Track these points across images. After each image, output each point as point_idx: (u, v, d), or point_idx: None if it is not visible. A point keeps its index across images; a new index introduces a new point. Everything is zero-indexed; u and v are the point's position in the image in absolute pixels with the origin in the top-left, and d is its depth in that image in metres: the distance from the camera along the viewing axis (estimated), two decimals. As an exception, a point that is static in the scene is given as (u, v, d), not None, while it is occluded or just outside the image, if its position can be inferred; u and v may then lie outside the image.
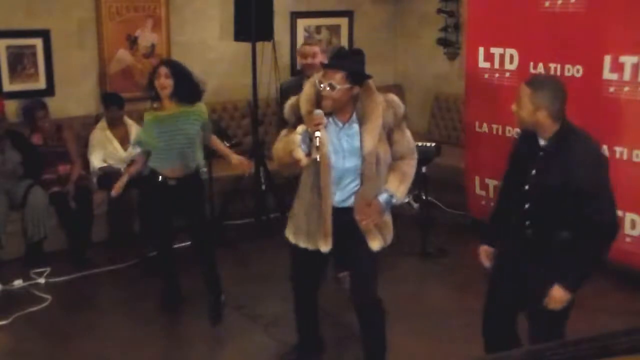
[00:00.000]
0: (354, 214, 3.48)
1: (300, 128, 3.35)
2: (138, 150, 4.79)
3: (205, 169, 4.79)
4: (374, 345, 3.76)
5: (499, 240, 3.46)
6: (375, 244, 3.52)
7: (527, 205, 3.25)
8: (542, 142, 3.20)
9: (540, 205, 3.20)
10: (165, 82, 4.33)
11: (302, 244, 3.59)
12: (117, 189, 4.62)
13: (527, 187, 3.24)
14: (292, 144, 3.34)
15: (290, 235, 3.66)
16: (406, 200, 6.64)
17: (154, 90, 4.39)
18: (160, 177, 4.44)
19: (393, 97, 3.54)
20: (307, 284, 3.83)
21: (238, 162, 4.62)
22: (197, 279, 5.03)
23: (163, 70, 4.36)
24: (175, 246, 4.86)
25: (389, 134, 3.49)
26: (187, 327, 4.58)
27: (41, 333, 4.46)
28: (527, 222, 3.26)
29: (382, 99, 3.47)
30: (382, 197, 3.47)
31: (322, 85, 3.35)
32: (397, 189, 3.50)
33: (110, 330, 4.51)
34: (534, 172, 3.21)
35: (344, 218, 3.48)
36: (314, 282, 3.82)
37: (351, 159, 3.45)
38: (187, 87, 4.42)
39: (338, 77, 3.33)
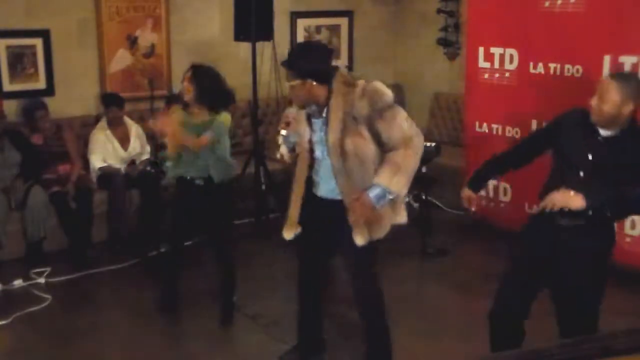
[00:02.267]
0: (345, 208, 3.46)
1: (284, 130, 3.62)
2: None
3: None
4: (373, 342, 3.77)
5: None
6: (358, 239, 3.44)
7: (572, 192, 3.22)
8: (604, 132, 3.23)
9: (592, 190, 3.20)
10: (187, 86, 4.28)
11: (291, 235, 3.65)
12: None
13: (581, 173, 3.25)
14: (277, 144, 3.62)
15: (285, 232, 3.67)
16: (407, 198, 6.65)
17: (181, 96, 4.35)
18: (187, 178, 4.40)
19: (372, 86, 3.39)
20: (307, 280, 3.85)
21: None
22: (196, 279, 5.04)
23: (187, 74, 4.32)
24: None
25: (370, 125, 3.35)
26: (187, 326, 4.58)
27: (41, 333, 4.46)
28: (564, 210, 3.24)
29: (355, 88, 3.37)
30: (373, 192, 3.33)
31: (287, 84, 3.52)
32: (389, 181, 3.32)
33: (110, 330, 4.51)
34: (590, 157, 3.23)
35: (329, 209, 3.51)
36: (313, 277, 3.84)
37: (324, 151, 3.48)
38: (210, 94, 4.30)
39: (290, 75, 3.45)
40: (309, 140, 3.54)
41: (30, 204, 5.33)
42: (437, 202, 6.48)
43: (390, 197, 3.37)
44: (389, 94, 3.39)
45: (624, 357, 1.62)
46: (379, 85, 3.41)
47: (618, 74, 3.28)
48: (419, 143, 3.41)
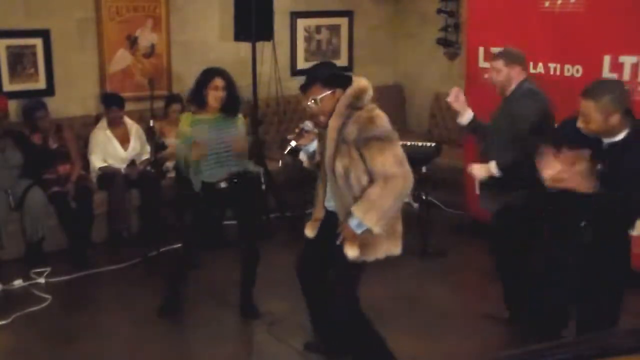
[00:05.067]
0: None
1: (293, 142, 3.70)
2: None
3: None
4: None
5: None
6: (349, 252, 3.42)
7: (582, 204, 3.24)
8: (607, 140, 3.22)
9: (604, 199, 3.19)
10: (222, 94, 4.33)
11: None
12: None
13: None
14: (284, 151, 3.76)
15: (307, 230, 3.78)
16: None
17: (201, 97, 4.35)
18: (209, 184, 4.40)
19: (368, 114, 3.34)
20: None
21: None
22: (196, 279, 5.04)
23: (220, 82, 4.34)
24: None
25: (358, 150, 3.33)
26: (187, 326, 4.58)
27: (41, 333, 4.46)
28: (584, 223, 3.30)
29: (357, 112, 3.34)
30: (352, 222, 3.36)
31: (308, 108, 3.45)
32: (363, 215, 3.32)
33: (110, 330, 4.51)
34: (598, 166, 3.20)
35: (332, 220, 3.56)
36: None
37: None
38: (234, 100, 4.43)
39: (315, 90, 3.39)
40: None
41: (27, 204, 5.32)
42: (437, 202, 6.48)
43: (366, 229, 3.36)
44: (383, 126, 3.33)
45: (624, 357, 1.62)
46: (377, 115, 3.36)
47: (589, 91, 3.24)
48: (402, 185, 3.32)
